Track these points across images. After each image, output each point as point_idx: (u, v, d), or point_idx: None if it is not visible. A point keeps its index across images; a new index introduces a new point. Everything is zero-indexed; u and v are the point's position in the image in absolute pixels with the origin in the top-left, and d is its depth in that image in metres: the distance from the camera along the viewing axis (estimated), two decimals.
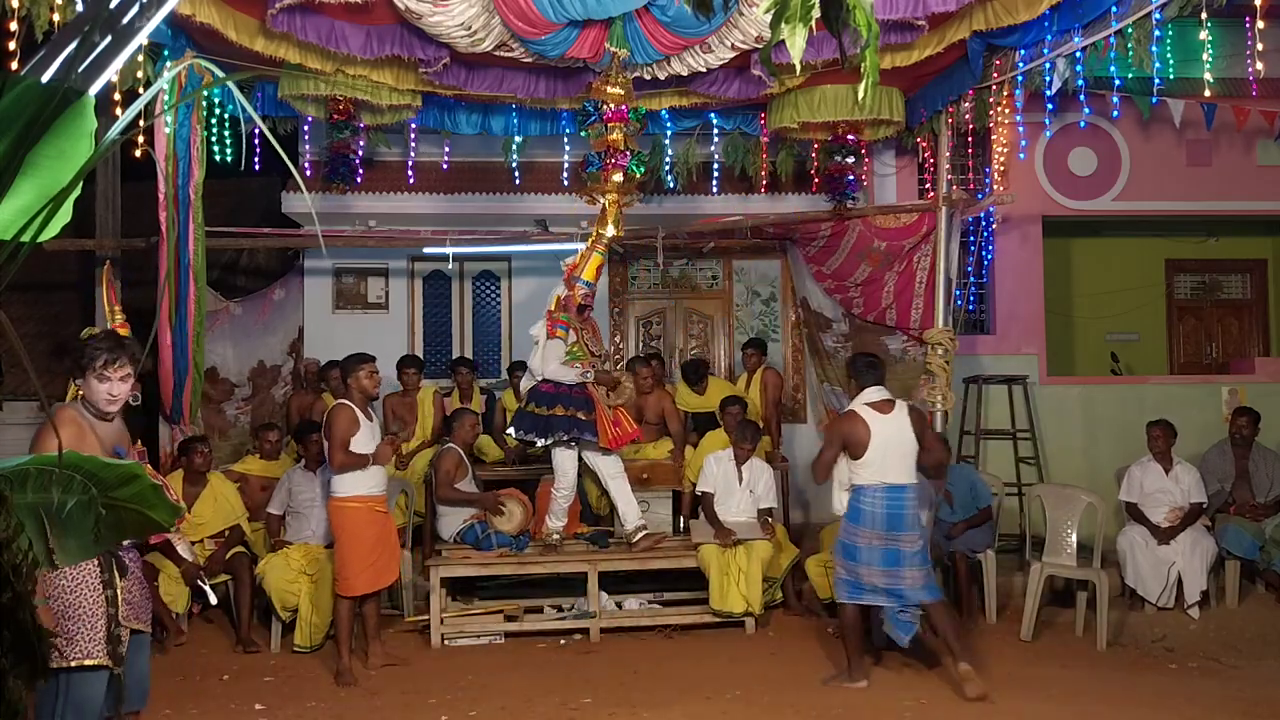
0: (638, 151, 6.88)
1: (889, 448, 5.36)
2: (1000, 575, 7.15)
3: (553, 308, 6.77)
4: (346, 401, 5.89)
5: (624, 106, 6.70)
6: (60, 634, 3.50)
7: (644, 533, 6.82)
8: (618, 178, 6.76)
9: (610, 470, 6.81)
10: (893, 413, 5.43)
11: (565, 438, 6.57)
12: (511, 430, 6.84)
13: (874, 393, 5.50)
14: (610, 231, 6.82)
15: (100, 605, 3.61)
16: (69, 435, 3.55)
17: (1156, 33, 6.33)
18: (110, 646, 3.60)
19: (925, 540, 5.56)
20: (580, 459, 6.82)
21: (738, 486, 7.07)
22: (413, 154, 8.71)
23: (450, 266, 9.14)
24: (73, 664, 3.52)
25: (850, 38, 2.41)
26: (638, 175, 6.91)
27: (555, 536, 6.84)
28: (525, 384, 6.89)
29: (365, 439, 5.85)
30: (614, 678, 5.76)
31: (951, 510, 7.05)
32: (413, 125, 8.35)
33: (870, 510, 5.36)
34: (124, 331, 6.81)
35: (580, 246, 7.40)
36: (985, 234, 9.28)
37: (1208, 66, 6.42)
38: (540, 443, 6.74)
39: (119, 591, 3.67)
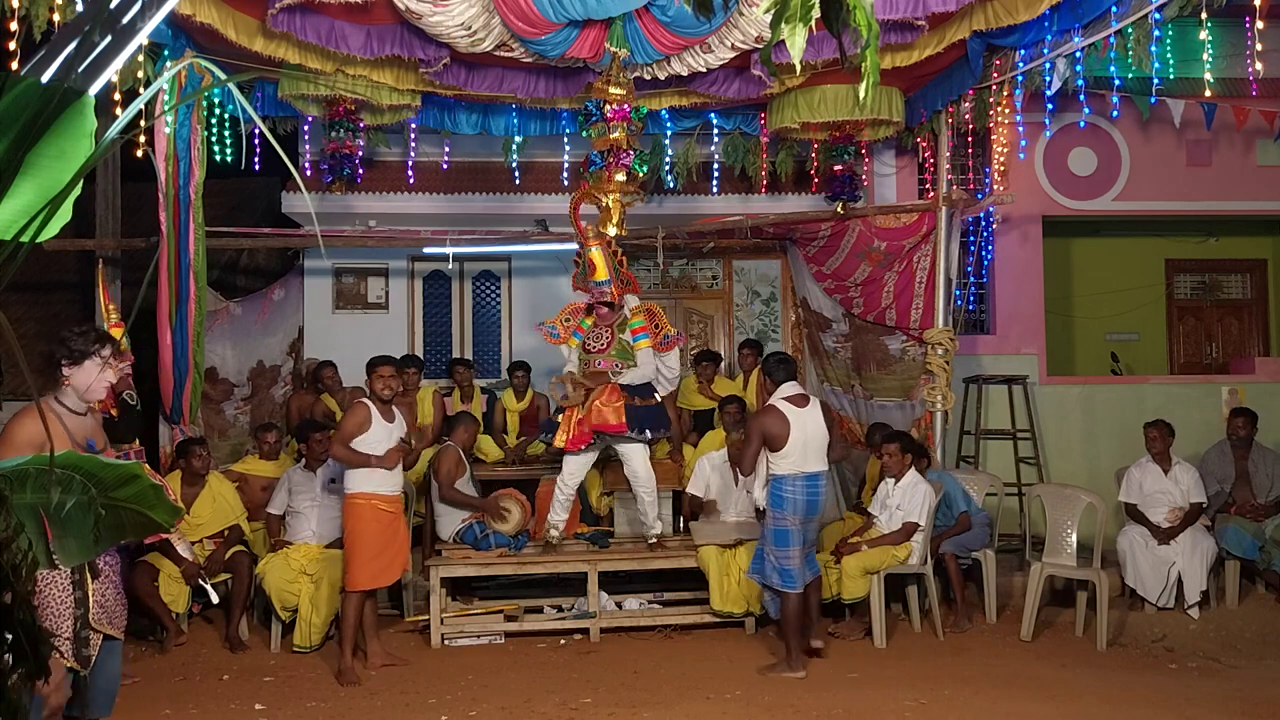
0: (640, 150, 6.90)
1: (807, 439, 5.77)
2: (1000, 575, 7.15)
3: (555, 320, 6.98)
4: (366, 400, 5.96)
5: (626, 105, 6.71)
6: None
7: (657, 539, 6.89)
8: (621, 177, 6.78)
9: (640, 481, 6.82)
10: (808, 406, 5.86)
11: (546, 439, 6.92)
12: None
13: (790, 388, 5.90)
14: (612, 231, 6.84)
15: (69, 606, 3.58)
16: (36, 432, 3.47)
17: (1156, 33, 6.33)
18: (76, 648, 3.57)
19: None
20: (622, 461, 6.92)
21: (734, 487, 7.08)
22: (413, 154, 8.72)
23: (450, 266, 9.14)
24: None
25: (850, 38, 2.41)
26: (641, 174, 6.93)
27: (553, 532, 6.84)
28: None
29: (378, 439, 5.87)
30: (614, 678, 5.76)
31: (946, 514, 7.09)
32: (413, 125, 8.35)
33: (792, 497, 5.79)
34: (118, 332, 6.81)
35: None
36: (985, 234, 9.28)
37: (1208, 66, 6.42)
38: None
39: (90, 593, 3.64)
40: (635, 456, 6.78)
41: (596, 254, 6.75)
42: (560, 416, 6.74)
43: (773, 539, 5.87)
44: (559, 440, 6.70)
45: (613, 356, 6.75)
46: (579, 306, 6.92)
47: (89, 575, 3.66)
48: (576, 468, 6.79)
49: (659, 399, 6.87)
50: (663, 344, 6.87)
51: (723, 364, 8.93)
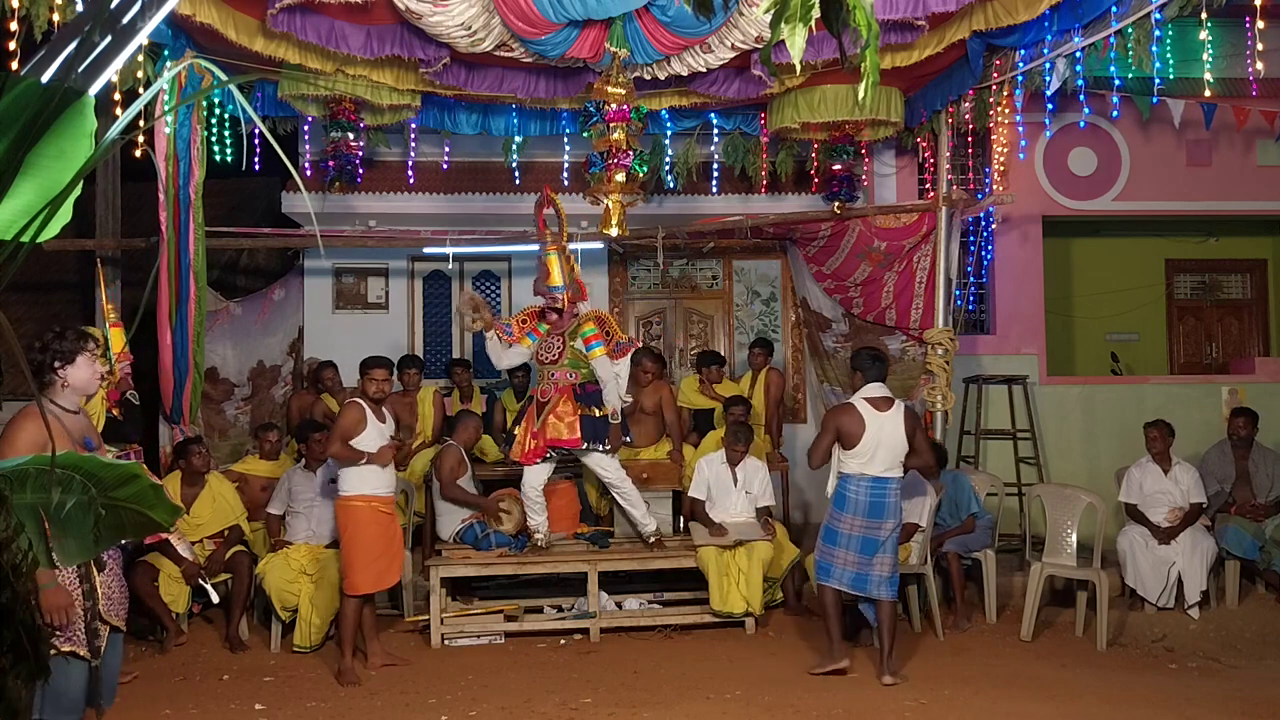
0: (640, 151, 6.89)
1: (880, 443, 5.56)
2: (1000, 575, 7.15)
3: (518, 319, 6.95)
4: (359, 400, 5.95)
5: (626, 106, 6.71)
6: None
7: (654, 539, 6.90)
8: (621, 177, 6.78)
9: (610, 479, 6.84)
10: (889, 411, 5.62)
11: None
12: None
13: (874, 388, 5.69)
14: (614, 232, 6.85)
15: (78, 599, 3.65)
16: (36, 433, 3.52)
17: (1156, 33, 6.33)
18: (89, 640, 3.64)
19: (899, 528, 5.76)
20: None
21: (733, 488, 7.07)
22: (413, 154, 8.72)
23: (450, 266, 9.14)
24: (50, 653, 3.54)
25: (850, 38, 2.41)
26: (641, 174, 6.93)
27: (538, 536, 6.84)
28: None
29: (371, 439, 5.86)
30: (614, 678, 5.76)
31: (942, 514, 7.10)
32: (413, 125, 8.36)
33: (854, 498, 5.60)
34: (119, 331, 6.82)
35: (579, 246, 7.46)
36: (985, 234, 9.28)
37: (1208, 66, 6.42)
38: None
39: (97, 586, 3.70)
40: (602, 465, 6.78)
41: (552, 259, 6.73)
42: (518, 428, 6.79)
43: (822, 534, 5.76)
44: (514, 452, 6.76)
45: (565, 366, 6.71)
46: (536, 310, 6.89)
47: (95, 570, 3.71)
48: (536, 476, 6.78)
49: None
50: (615, 350, 6.84)
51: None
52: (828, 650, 5.75)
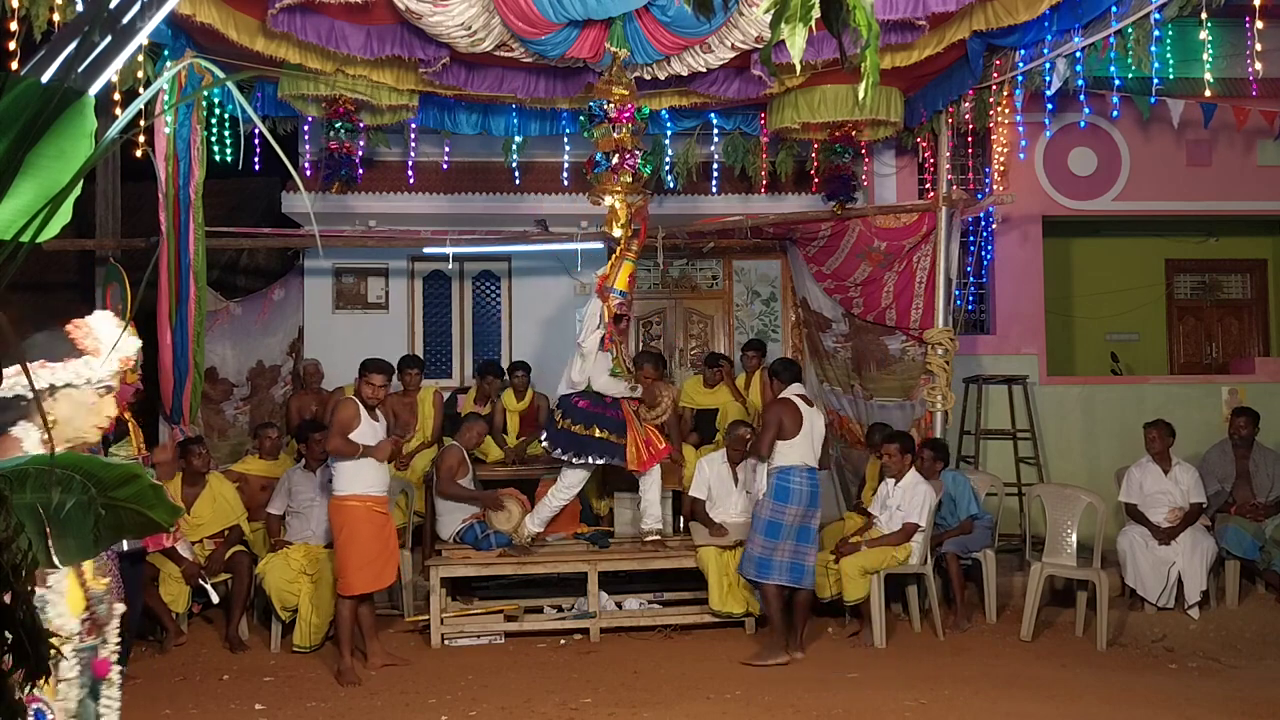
0: (645, 151, 6.90)
1: (813, 434, 6.20)
2: (1000, 575, 7.15)
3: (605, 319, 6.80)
4: (354, 398, 5.97)
5: (629, 106, 6.71)
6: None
7: (654, 538, 6.88)
8: (627, 178, 6.78)
9: (647, 475, 6.89)
10: (813, 407, 6.33)
11: (600, 461, 6.68)
12: (545, 442, 6.91)
13: (796, 388, 6.34)
14: (618, 232, 6.84)
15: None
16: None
17: (1156, 33, 6.33)
18: None
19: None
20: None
21: (733, 487, 7.08)
22: (413, 154, 8.71)
23: (450, 266, 9.13)
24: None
25: (850, 38, 2.41)
26: (646, 174, 6.92)
27: (528, 540, 6.83)
28: (564, 389, 6.87)
29: (364, 437, 5.87)
30: (614, 678, 5.76)
31: (942, 514, 7.10)
32: (413, 125, 8.35)
33: (798, 489, 6.11)
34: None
35: (580, 246, 7.41)
36: (985, 234, 9.27)
37: (1207, 66, 6.42)
38: (575, 461, 6.75)
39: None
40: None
41: (631, 265, 6.79)
42: (620, 439, 6.65)
43: (765, 529, 6.09)
44: (632, 463, 6.67)
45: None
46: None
47: None
48: (577, 481, 6.81)
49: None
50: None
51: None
52: (772, 644, 6.00)
